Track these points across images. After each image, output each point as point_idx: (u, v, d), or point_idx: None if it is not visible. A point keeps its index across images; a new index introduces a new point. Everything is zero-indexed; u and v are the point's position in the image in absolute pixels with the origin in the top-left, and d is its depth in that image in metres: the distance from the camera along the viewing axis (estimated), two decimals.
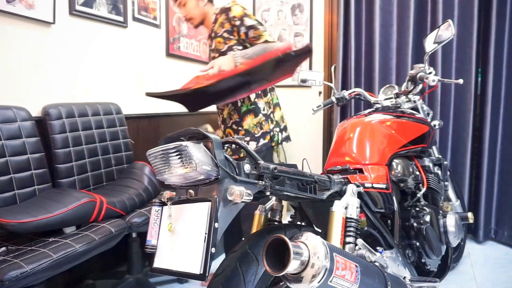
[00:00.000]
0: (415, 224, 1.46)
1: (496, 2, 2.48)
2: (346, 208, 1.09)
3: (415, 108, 1.84)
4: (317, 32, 3.35)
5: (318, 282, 0.71)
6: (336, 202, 1.07)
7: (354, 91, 1.97)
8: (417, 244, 1.46)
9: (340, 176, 1.21)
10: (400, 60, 2.85)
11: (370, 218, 1.27)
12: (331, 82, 3.16)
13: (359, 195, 1.18)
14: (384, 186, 1.36)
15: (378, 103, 1.88)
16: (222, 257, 2.23)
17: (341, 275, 0.75)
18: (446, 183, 1.87)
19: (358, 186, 1.16)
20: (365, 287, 0.83)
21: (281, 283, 1.02)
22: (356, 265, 0.80)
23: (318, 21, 3.34)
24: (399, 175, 1.49)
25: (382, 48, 2.89)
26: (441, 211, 1.64)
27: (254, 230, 1.22)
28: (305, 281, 0.71)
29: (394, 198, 1.40)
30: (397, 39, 2.85)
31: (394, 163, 1.51)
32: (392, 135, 1.52)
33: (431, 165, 1.69)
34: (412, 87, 1.82)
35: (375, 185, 1.34)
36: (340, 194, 1.13)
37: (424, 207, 1.51)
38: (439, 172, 1.76)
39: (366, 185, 1.31)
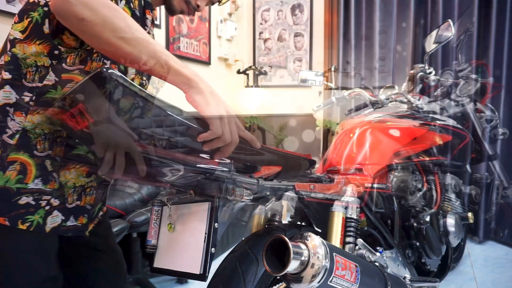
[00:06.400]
0: (415, 224, 1.46)
1: (496, 2, 2.49)
2: (346, 208, 1.09)
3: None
4: (317, 32, 3.35)
5: (318, 282, 0.71)
6: (336, 202, 1.07)
7: (354, 91, 1.97)
8: (417, 244, 1.46)
9: (340, 176, 1.21)
10: (400, 60, 2.85)
11: (370, 218, 1.27)
12: (331, 82, 3.16)
13: (359, 195, 1.18)
14: (384, 186, 1.36)
15: (378, 103, 1.87)
16: (222, 257, 2.23)
17: (341, 275, 0.75)
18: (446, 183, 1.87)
19: (358, 186, 1.16)
20: (365, 287, 0.82)
21: (281, 283, 1.02)
22: (356, 265, 0.80)
23: (318, 21, 3.34)
24: (399, 175, 1.49)
25: (382, 48, 2.89)
26: (441, 211, 1.64)
27: (254, 230, 1.22)
28: (305, 281, 0.70)
29: (394, 198, 1.40)
30: (397, 39, 2.85)
31: (394, 163, 1.51)
32: (392, 135, 1.52)
33: (431, 165, 1.69)
34: (412, 87, 1.83)
35: (375, 185, 1.34)
36: (340, 194, 1.13)
37: (424, 207, 1.51)
38: (439, 172, 1.76)
39: (366, 185, 1.31)
